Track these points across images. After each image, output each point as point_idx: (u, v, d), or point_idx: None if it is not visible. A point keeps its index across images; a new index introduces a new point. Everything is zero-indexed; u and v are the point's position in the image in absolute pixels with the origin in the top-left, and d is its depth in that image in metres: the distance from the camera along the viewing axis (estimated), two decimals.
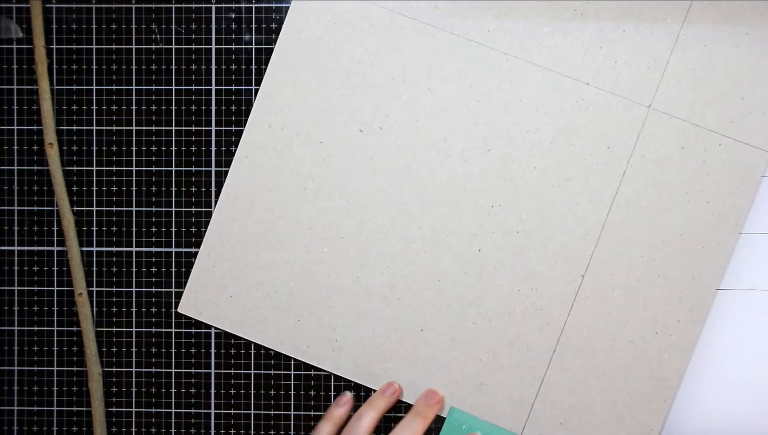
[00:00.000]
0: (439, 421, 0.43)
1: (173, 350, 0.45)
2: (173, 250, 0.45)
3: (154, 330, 0.45)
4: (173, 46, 0.45)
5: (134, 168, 0.45)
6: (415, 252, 0.42)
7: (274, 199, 0.43)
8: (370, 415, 0.41)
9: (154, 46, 0.45)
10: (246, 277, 0.43)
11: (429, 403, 0.42)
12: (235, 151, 0.44)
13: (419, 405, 0.42)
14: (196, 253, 0.45)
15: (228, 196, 0.43)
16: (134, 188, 0.45)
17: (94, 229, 0.45)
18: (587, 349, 0.42)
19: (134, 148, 0.45)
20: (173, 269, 0.45)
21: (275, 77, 0.43)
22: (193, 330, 0.45)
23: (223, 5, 0.45)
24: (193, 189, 0.45)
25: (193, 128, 0.45)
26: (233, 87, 0.45)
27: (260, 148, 0.43)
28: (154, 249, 0.45)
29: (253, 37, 0.45)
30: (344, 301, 0.43)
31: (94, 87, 0.45)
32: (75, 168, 0.45)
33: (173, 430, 0.45)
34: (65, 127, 0.45)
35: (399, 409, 0.44)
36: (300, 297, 0.43)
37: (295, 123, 0.43)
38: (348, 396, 0.42)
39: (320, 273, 0.43)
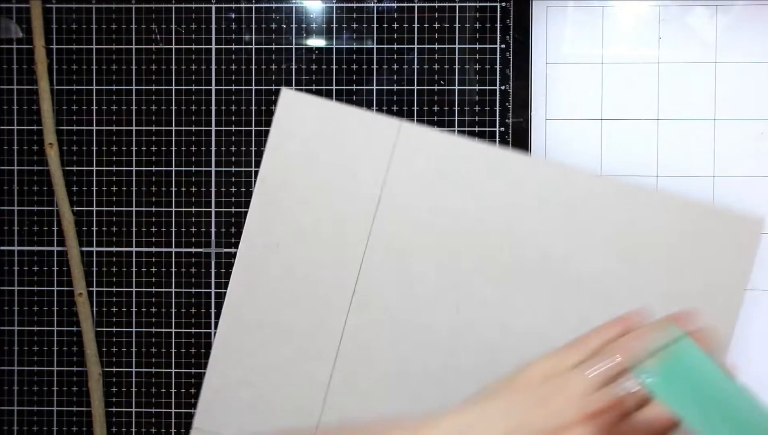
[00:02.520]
0: None
1: (173, 350, 0.45)
2: (173, 250, 0.45)
3: (154, 330, 0.45)
4: (173, 46, 0.45)
5: (134, 168, 0.45)
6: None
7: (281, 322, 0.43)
8: None
9: (154, 46, 0.45)
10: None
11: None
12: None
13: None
14: (197, 253, 0.45)
15: (228, 318, 0.43)
16: (134, 188, 0.45)
17: (94, 229, 0.45)
18: None
19: (134, 148, 0.45)
20: (173, 269, 0.45)
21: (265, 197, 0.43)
22: (193, 330, 0.45)
23: (223, 5, 0.45)
24: (193, 189, 0.45)
25: (193, 128, 0.45)
26: (233, 87, 0.45)
27: (258, 271, 0.43)
28: (154, 249, 0.45)
29: (253, 37, 0.45)
30: None
31: (94, 87, 0.45)
32: (75, 168, 0.45)
33: (173, 430, 0.45)
34: (65, 127, 0.45)
35: None
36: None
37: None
38: None
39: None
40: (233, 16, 0.45)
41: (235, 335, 0.42)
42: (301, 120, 0.42)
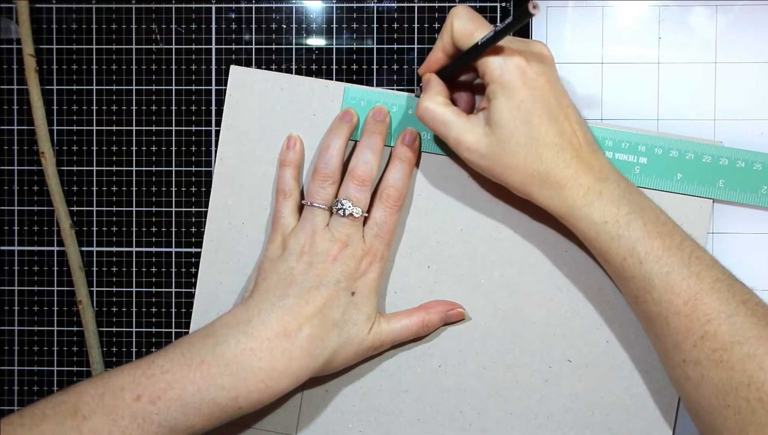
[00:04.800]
0: None
1: None
2: (173, 250, 0.45)
3: (154, 330, 0.45)
4: (173, 46, 0.45)
5: (134, 168, 0.45)
6: None
7: None
8: (336, 143, 0.40)
9: (154, 46, 0.45)
10: None
11: (378, 119, 0.41)
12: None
13: (370, 123, 0.41)
14: (197, 253, 0.45)
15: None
16: (134, 188, 0.45)
17: (94, 229, 0.45)
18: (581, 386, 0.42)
19: (134, 148, 0.45)
20: (173, 269, 0.45)
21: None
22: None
23: (223, 5, 0.45)
24: (193, 189, 0.45)
25: (193, 128, 0.45)
26: None
27: (227, 252, 0.44)
28: (154, 249, 0.45)
29: (253, 37, 0.45)
30: None
31: (94, 87, 0.45)
32: (75, 168, 0.45)
33: None
34: (65, 128, 0.45)
35: None
36: None
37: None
38: (295, 136, 0.42)
39: None
40: (233, 16, 0.45)
41: (210, 318, 0.43)
42: (253, 95, 0.43)
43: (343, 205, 0.39)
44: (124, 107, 0.45)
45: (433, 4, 0.44)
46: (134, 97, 0.45)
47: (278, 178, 0.42)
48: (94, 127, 0.45)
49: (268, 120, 0.43)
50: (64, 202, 0.44)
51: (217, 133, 0.45)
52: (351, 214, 0.39)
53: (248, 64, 0.44)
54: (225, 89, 0.44)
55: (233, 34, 0.45)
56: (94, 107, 0.45)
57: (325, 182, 0.39)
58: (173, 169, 0.45)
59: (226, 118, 0.43)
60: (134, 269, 0.45)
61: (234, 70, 0.43)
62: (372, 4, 0.44)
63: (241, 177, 0.43)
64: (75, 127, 0.45)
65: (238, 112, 0.43)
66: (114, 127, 0.45)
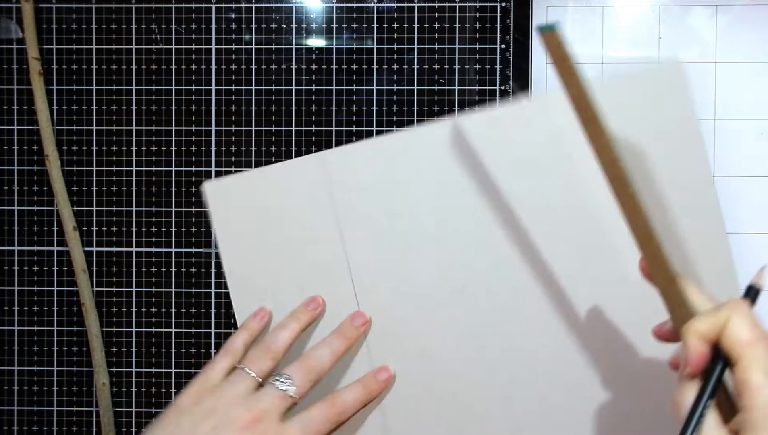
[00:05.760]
0: None
1: (173, 350, 0.45)
2: (173, 250, 0.45)
3: (154, 330, 0.45)
4: (173, 46, 0.45)
5: (134, 168, 0.45)
6: None
7: None
8: (292, 326, 0.39)
9: (154, 46, 0.45)
10: None
11: (354, 325, 0.40)
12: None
13: (344, 325, 0.40)
14: (197, 253, 0.45)
15: None
16: (134, 188, 0.45)
17: (94, 229, 0.45)
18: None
19: (134, 148, 0.45)
20: (173, 269, 0.45)
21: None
22: (193, 330, 0.45)
23: (223, 5, 0.45)
24: (193, 189, 0.45)
25: (193, 128, 0.45)
26: (233, 87, 0.45)
27: None
28: (154, 249, 0.45)
29: (253, 37, 0.45)
30: None
31: (94, 87, 0.45)
32: (75, 168, 0.45)
33: None
34: (65, 128, 0.45)
35: None
36: None
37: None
38: (266, 310, 0.40)
39: None
40: (233, 16, 0.45)
41: None
42: (234, 202, 0.41)
43: (282, 381, 0.36)
44: (124, 107, 0.45)
45: (433, 4, 0.44)
46: (134, 97, 0.45)
47: (230, 337, 0.39)
48: (94, 127, 0.45)
49: (259, 218, 0.41)
50: (69, 204, 0.44)
51: (217, 133, 0.45)
52: (286, 392, 0.36)
53: (248, 63, 0.45)
54: (225, 89, 0.44)
55: (233, 34, 0.45)
56: (94, 107, 0.45)
57: (267, 355, 0.37)
58: (173, 169, 0.45)
59: (219, 234, 0.41)
60: (134, 269, 0.45)
61: (207, 186, 0.41)
62: (372, 4, 0.44)
63: (255, 283, 0.41)
64: (75, 127, 0.45)
65: (227, 224, 0.41)
66: (114, 127, 0.45)
